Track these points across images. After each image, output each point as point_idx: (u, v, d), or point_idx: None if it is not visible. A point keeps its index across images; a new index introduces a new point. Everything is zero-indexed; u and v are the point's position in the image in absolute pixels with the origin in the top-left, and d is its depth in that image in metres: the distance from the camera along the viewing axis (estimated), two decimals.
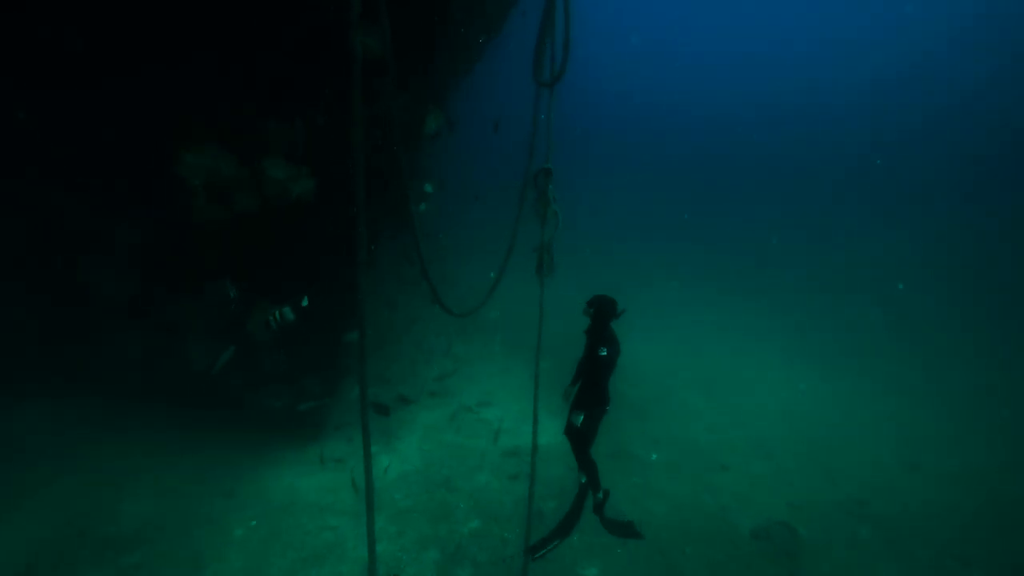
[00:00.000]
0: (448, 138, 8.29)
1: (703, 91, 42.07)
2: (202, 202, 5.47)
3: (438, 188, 10.51)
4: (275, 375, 7.69)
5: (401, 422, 10.09)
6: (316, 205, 5.91)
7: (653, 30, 45.86)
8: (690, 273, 19.81)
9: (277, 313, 6.02)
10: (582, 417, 4.69)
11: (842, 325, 16.59)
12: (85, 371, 8.01)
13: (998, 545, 7.94)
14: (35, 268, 6.99)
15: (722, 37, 44.08)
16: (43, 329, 7.66)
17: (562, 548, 6.88)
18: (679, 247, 20.68)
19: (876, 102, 34.45)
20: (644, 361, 14.72)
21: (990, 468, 10.29)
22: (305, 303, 6.26)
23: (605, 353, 4.65)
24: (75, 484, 7.27)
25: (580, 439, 4.85)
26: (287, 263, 6.52)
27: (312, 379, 8.07)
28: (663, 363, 15.21)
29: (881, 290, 18.45)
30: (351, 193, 6.08)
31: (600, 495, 5.11)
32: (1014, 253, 18.42)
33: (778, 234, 23.33)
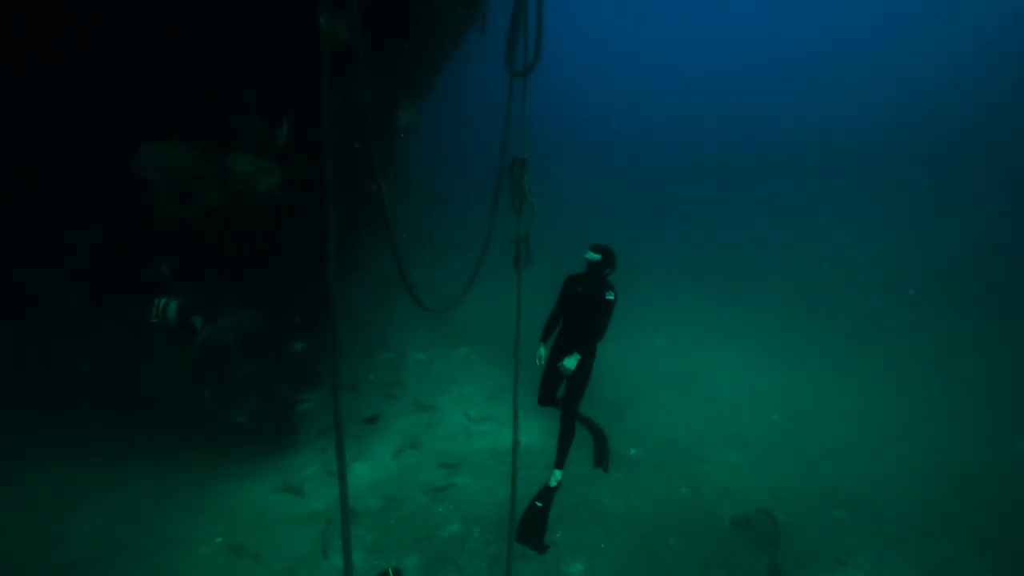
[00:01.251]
0: (417, 132, 8.17)
1: (691, 84, 41.39)
2: (163, 199, 5.19)
3: (405, 187, 10.36)
4: (244, 383, 7.36)
5: (376, 429, 9.81)
6: (286, 201, 5.68)
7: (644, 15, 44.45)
8: (662, 268, 20.07)
9: (161, 304, 5.20)
10: (577, 359, 4.50)
11: (812, 323, 17.06)
12: (33, 385, 7.50)
13: (959, 519, 8.22)
14: None
15: (710, 30, 43.14)
16: None
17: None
18: (651, 244, 20.94)
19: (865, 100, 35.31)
20: (619, 360, 14.78)
21: (949, 451, 10.68)
22: (198, 322, 5.32)
23: (582, 291, 4.60)
24: (11, 512, 6.71)
25: (572, 394, 4.67)
26: (257, 262, 6.26)
27: (285, 387, 7.77)
28: (637, 362, 15.32)
29: (849, 290, 19.06)
30: (323, 189, 5.90)
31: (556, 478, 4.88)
32: (973, 253, 19.26)
33: (754, 233, 23.82)
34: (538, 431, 10.04)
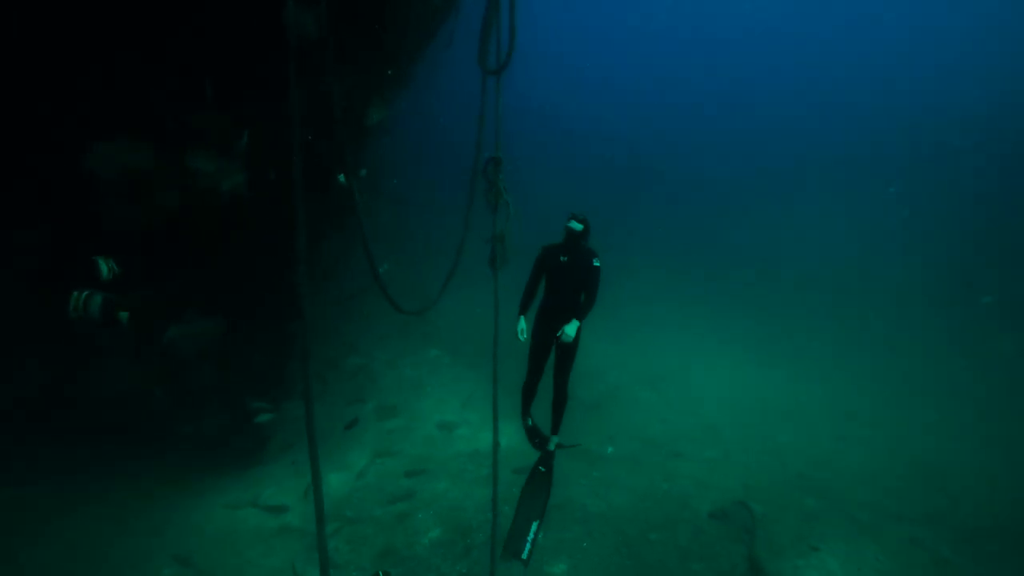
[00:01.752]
0: (390, 132, 8.01)
1: (673, 77, 41.22)
2: (114, 200, 4.89)
3: (374, 193, 10.15)
4: (207, 393, 7.03)
5: (350, 437, 9.55)
6: (251, 202, 5.46)
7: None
8: (635, 266, 20.32)
9: (82, 297, 4.37)
10: (576, 326, 4.54)
11: (781, 321, 17.59)
12: None
13: (920, 502, 8.59)
14: None
15: (696, 21, 42.51)
16: None
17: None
18: (624, 241, 21.10)
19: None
20: (593, 359, 14.86)
21: (908, 436, 11.17)
22: (124, 316, 4.56)
23: (567, 260, 4.62)
24: None
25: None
26: (219, 265, 5.98)
27: (251, 397, 7.46)
28: (611, 361, 15.44)
29: (816, 289, 19.66)
30: (291, 188, 5.68)
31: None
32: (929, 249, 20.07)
33: (727, 231, 24.21)
34: (515, 433, 9.96)
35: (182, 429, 7.52)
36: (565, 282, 4.66)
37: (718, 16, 41.99)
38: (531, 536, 4.58)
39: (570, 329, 4.48)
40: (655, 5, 42.93)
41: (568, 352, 4.67)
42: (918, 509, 8.34)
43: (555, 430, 4.93)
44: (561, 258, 4.68)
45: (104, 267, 4.62)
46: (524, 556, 4.46)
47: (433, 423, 10.50)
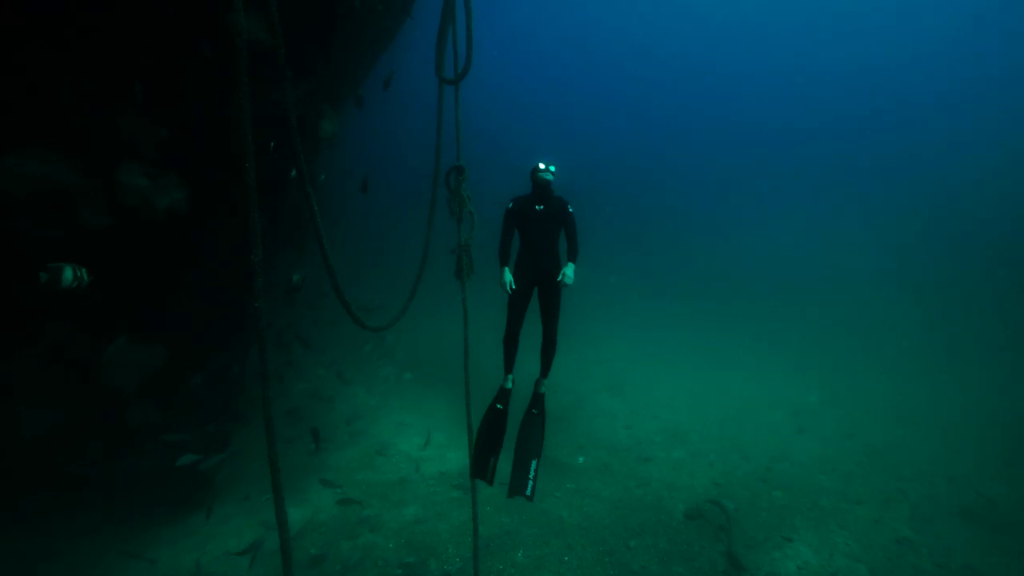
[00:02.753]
0: (342, 144, 7.72)
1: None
2: (30, 219, 4.39)
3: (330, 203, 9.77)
4: (145, 431, 6.39)
5: (308, 468, 8.99)
6: (191, 219, 5.05)
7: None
8: (594, 267, 20.55)
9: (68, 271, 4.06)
10: (573, 268, 4.51)
11: (737, 322, 18.20)
12: None
13: (876, 485, 8.97)
14: None
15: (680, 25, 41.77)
16: None
17: (509, 566, 6.47)
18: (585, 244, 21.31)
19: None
20: (556, 371, 14.82)
21: (861, 424, 11.73)
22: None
23: (543, 208, 4.61)
24: None
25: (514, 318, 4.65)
26: (155, 288, 5.50)
27: (195, 431, 6.86)
28: (574, 372, 15.47)
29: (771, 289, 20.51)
30: (234, 204, 5.33)
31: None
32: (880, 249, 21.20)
33: (684, 233, 24.74)
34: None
35: (117, 471, 6.80)
36: (544, 230, 4.69)
37: (688, 31, 42.02)
38: (532, 474, 4.64)
39: (570, 271, 4.50)
40: (631, 11, 42.00)
41: (555, 296, 4.69)
42: (875, 493, 8.71)
43: (544, 374, 4.94)
44: (536, 207, 4.71)
45: (70, 274, 4.14)
46: (528, 493, 4.54)
47: (396, 446, 10.08)
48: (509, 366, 4.95)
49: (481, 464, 4.71)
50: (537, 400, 4.96)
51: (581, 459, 9.93)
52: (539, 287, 4.73)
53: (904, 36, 34.65)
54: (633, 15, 41.05)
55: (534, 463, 4.72)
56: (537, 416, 4.89)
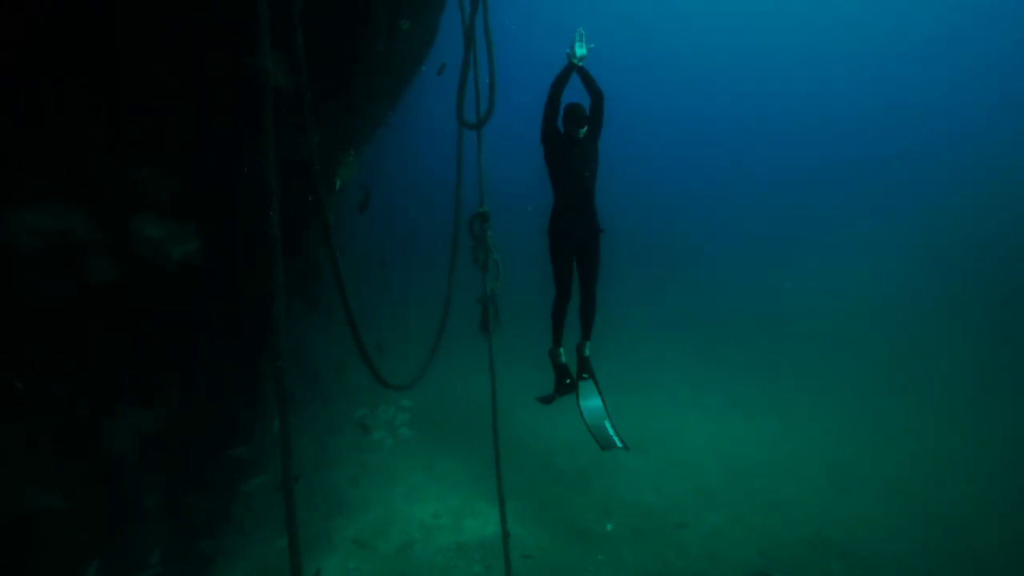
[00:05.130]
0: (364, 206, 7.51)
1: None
2: (37, 273, 4.07)
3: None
4: (146, 503, 5.81)
5: (314, 538, 8.26)
6: (206, 270, 4.74)
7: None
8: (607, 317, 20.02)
9: None
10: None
11: (756, 370, 17.49)
12: None
13: (947, 554, 8.14)
14: None
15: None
16: None
17: None
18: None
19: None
20: (570, 428, 14.10)
21: (910, 484, 10.83)
22: None
23: (585, 131, 4.35)
24: None
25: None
26: (162, 349, 5.11)
27: (205, 503, 6.25)
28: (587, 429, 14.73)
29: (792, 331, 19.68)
30: (251, 255, 5.01)
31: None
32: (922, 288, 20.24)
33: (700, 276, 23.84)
34: (497, 517, 8.97)
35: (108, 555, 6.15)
36: (581, 171, 4.42)
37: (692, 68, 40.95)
38: (611, 431, 4.63)
39: (580, 49, 4.29)
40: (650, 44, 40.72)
41: (592, 258, 4.50)
42: (945, 561, 7.87)
43: (587, 336, 4.72)
44: (574, 149, 4.43)
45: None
46: (620, 445, 4.55)
47: (409, 514, 9.34)
48: (558, 339, 4.74)
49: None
50: (584, 364, 4.78)
51: (609, 526, 9.15)
52: (576, 246, 4.50)
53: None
54: (666, 64, 40.43)
55: (607, 422, 4.67)
56: (589, 379, 4.78)
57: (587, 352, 4.74)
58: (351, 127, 5.73)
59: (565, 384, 4.70)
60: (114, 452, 5.58)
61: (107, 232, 4.27)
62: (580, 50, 4.29)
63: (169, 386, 5.48)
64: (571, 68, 4.35)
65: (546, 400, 4.74)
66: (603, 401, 4.74)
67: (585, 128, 4.33)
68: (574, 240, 4.46)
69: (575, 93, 4.46)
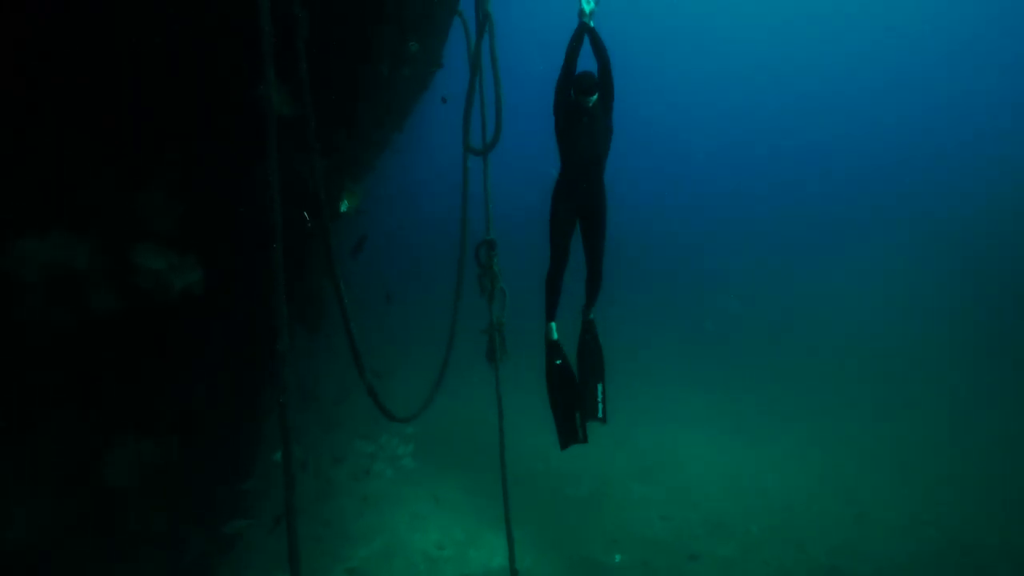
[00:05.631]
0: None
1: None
2: (37, 303, 4.01)
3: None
4: (145, 537, 5.65)
5: (316, 571, 8.03)
6: (208, 301, 4.66)
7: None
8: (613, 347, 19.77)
9: None
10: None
11: (760, 391, 17.15)
12: None
13: None
14: None
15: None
16: None
17: None
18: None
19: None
20: (572, 455, 13.77)
21: (925, 513, 10.47)
22: None
23: (595, 100, 4.17)
24: None
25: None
26: (163, 378, 5.01)
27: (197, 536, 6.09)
28: (592, 454, 14.40)
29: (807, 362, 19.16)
30: (255, 284, 4.94)
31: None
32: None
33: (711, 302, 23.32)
34: (503, 548, 8.71)
35: None
36: (591, 142, 4.28)
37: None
38: (600, 397, 4.44)
39: (587, 4, 4.17)
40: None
41: (598, 225, 4.33)
42: None
43: (591, 303, 4.56)
44: (584, 119, 4.27)
45: None
46: (600, 415, 4.40)
47: (412, 545, 9.11)
48: (551, 312, 4.45)
49: (569, 428, 4.36)
50: (588, 327, 4.58)
51: (618, 557, 8.90)
52: (581, 215, 4.33)
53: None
54: (674, 89, 40.11)
55: (600, 387, 4.48)
56: (591, 341, 4.58)
57: (592, 315, 4.57)
58: (355, 154, 5.72)
59: (556, 365, 4.37)
60: (113, 482, 5.45)
61: (108, 262, 4.22)
62: (587, 5, 4.19)
63: (170, 416, 5.37)
64: (582, 29, 4.25)
65: (566, 438, 4.42)
66: (602, 364, 4.52)
67: (595, 96, 4.17)
68: (576, 202, 4.28)
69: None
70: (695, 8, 39.32)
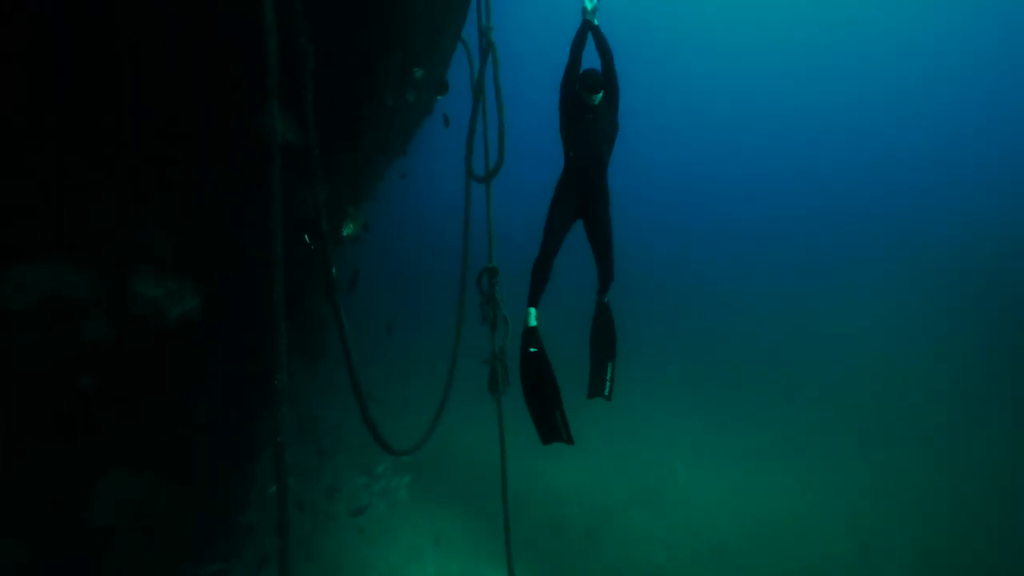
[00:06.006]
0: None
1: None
2: (32, 332, 3.89)
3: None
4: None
5: None
6: (205, 329, 4.56)
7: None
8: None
9: None
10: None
11: (765, 417, 16.93)
12: None
13: None
14: None
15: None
16: None
17: None
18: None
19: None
20: (573, 485, 13.47)
21: (938, 543, 10.24)
22: None
23: (601, 97, 4.15)
24: None
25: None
26: (155, 410, 4.87)
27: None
28: (591, 481, 14.12)
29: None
30: (255, 311, 4.85)
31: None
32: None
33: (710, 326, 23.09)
34: None
35: None
36: (594, 140, 4.21)
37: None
38: (609, 375, 4.29)
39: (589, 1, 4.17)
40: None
41: (602, 223, 4.24)
42: None
43: (606, 291, 4.41)
44: (588, 116, 4.21)
45: None
46: (606, 393, 4.25)
47: None
48: (535, 297, 4.21)
49: (548, 426, 4.03)
50: (602, 310, 4.42)
51: None
52: (582, 212, 4.24)
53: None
54: (677, 109, 39.83)
55: (610, 365, 4.34)
56: (605, 320, 4.41)
57: (606, 299, 4.38)
58: (357, 179, 5.70)
59: (530, 353, 4.05)
60: (102, 518, 5.26)
61: (104, 288, 4.12)
62: (590, 2, 4.19)
63: (162, 451, 5.20)
64: (586, 26, 4.24)
65: (547, 434, 4.06)
66: (615, 342, 4.35)
67: (600, 94, 4.14)
68: (577, 197, 4.19)
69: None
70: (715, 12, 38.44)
